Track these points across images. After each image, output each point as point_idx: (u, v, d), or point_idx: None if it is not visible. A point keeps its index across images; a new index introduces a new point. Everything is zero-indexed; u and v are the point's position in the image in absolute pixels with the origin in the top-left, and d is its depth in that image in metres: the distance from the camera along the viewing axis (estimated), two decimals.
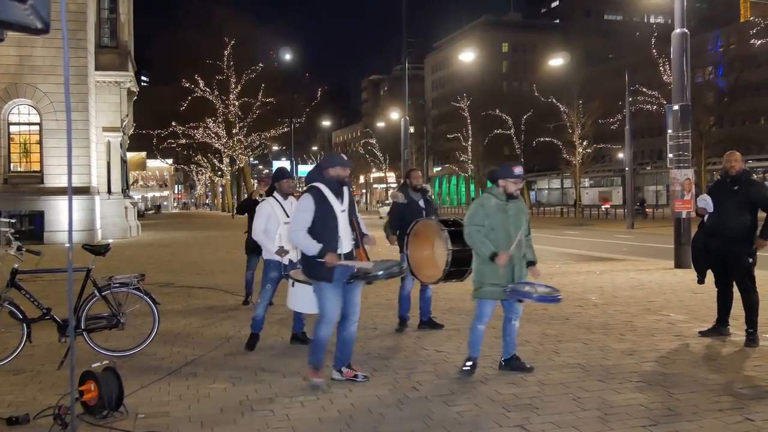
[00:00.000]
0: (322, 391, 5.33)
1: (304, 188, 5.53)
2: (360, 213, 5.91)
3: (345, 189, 5.54)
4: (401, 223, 7.58)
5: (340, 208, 5.46)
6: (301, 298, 5.84)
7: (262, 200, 7.24)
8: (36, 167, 24.09)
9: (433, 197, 8.25)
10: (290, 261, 6.90)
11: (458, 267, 6.70)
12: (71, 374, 3.89)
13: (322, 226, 5.35)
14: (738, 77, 45.48)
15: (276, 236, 6.91)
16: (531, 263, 5.85)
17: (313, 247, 5.30)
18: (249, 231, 9.79)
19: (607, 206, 52.13)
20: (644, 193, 68.65)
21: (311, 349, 5.54)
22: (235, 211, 10.65)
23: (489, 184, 5.98)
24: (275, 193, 7.18)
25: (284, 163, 56.61)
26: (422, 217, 7.52)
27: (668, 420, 4.60)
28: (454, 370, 5.95)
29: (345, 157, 5.72)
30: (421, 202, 7.74)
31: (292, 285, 5.95)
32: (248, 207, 9.79)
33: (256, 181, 10.64)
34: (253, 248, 9.67)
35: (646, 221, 38.02)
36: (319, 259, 5.28)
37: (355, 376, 5.62)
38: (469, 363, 5.80)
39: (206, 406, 5.04)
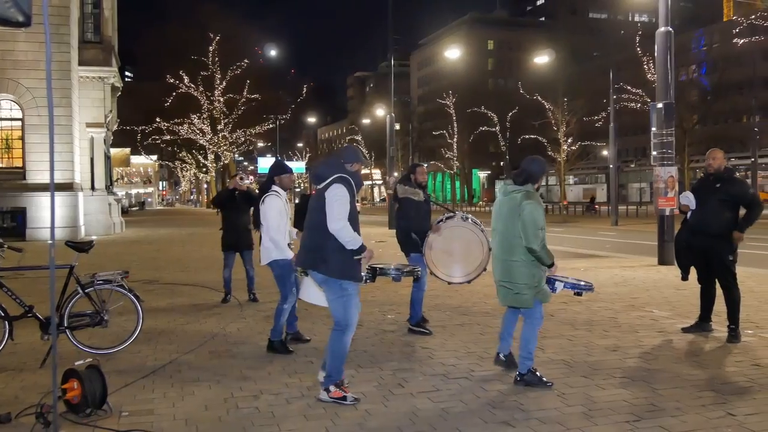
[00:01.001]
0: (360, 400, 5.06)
1: (332, 178, 5.02)
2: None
3: None
4: (415, 222, 7.30)
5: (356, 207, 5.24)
6: (317, 290, 5.39)
7: (270, 194, 6.61)
8: (18, 163, 23.86)
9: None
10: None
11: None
12: (54, 372, 3.85)
13: (353, 221, 5.01)
14: (721, 76, 45.91)
15: (286, 233, 6.55)
16: None
17: (358, 241, 4.96)
18: (223, 228, 9.67)
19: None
20: (628, 190, 69.13)
21: (335, 365, 5.03)
22: (212, 205, 10.36)
23: (502, 186, 5.65)
24: (275, 187, 6.69)
25: (269, 160, 56.40)
26: (429, 215, 7.43)
27: (652, 415, 4.64)
28: (440, 366, 5.95)
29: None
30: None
31: (307, 275, 5.38)
32: (227, 200, 9.57)
33: (241, 175, 10.39)
34: (230, 245, 9.54)
35: (630, 218, 38.22)
36: (357, 256, 4.99)
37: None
38: (537, 371, 5.48)
39: (191, 404, 5.02)
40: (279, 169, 6.86)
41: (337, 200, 4.92)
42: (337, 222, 4.89)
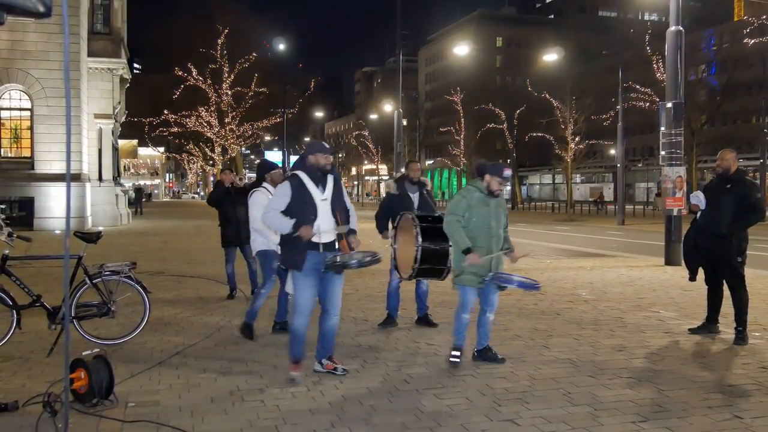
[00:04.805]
0: (298, 384, 5.30)
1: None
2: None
3: (328, 178, 5.47)
4: (387, 213, 7.46)
5: (321, 197, 5.37)
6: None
7: (257, 190, 7.13)
8: (27, 153, 23.95)
9: (431, 192, 7.73)
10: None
11: (432, 265, 6.54)
12: (66, 362, 3.85)
13: (300, 213, 5.27)
14: (730, 76, 45.59)
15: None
16: (509, 249, 5.99)
17: (287, 224, 5.25)
18: (222, 224, 9.69)
19: None
20: (635, 189, 69.03)
21: (290, 344, 5.48)
22: (209, 204, 10.54)
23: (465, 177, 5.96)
24: (265, 184, 7.16)
25: (276, 154, 56.40)
26: (409, 206, 7.35)
27: (658, 416, 4.63)
28: (445, 363, 5.95)
29: (326, 145, 5.66)
30: (416, 196, 7.44)
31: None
32: (223, 196, 9.63)
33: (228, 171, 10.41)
34: (231, 241, 9.57)
35: (636, 217, 38.13)
36: (295, 234, 5.22)
37: (335, 369, 5.57)
38: (456, 353, 5.87)
39: (196, 396, 5.03)
40: (269, 166, 7.50)
41: (275, 195, 5.55)
42: (265, 213, 5.43)
